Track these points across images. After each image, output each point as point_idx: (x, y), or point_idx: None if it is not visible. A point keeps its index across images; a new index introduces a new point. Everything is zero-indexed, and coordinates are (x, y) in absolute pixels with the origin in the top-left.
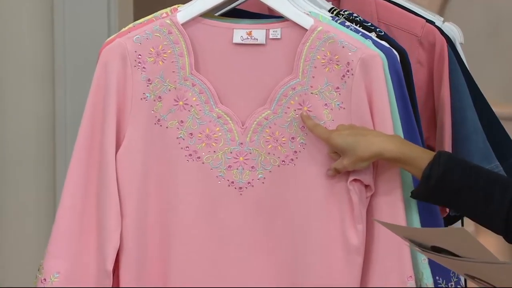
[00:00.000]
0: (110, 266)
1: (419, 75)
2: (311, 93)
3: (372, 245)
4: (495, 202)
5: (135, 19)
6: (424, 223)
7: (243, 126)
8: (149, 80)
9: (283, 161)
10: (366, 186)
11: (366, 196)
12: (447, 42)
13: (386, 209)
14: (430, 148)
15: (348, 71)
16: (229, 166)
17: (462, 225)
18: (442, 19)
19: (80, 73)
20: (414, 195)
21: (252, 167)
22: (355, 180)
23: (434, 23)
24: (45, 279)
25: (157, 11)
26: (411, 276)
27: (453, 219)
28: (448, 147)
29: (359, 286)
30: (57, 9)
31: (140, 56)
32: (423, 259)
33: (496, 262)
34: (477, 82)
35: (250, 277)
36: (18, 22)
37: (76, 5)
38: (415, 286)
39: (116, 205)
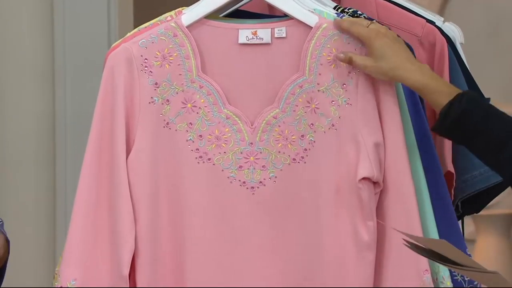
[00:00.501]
0: (126, 271)
1: None
2: (318, 90)
3: (385, 240)
4: (506, 153)
5: (135, 19)
6: (438, 217)
7: (252, 125)
8: (156, 83)
9: (293, 159)
10: (375, 183)
11: (375, 192)
12: (447, 42)
13: (397, 205)
14: None
15: (354, 67)
16: (240, 166)
17: (462, 225)
18: (442, 19)
19: (80, 73)
20: (432, 128)
21: (263, 166)
22: (364, 178)
23: (434, 23)
24: (62, 287)
25: (157, 12)
26: (426, 270)
27: None
28: (448, 147)
29: (372, 282)
30: (57, 9)
31: (146, 60)
32: None
33: (483, 270)
34: (477, 82)
35: (263, 276)
36: (18, 22)
37: (76, 5)
38: (431, 280)
39: (129, 210)
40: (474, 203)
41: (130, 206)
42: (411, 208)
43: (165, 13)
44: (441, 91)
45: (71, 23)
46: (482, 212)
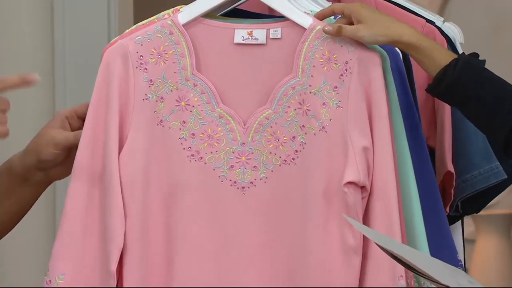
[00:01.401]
0: (113, 267)
1: (419, 75)
2: (310, 92)
3: (367, 245)
4: (499, 119)
5: (135, 19)
6: (427, 221)
7: (244, 125)
8: (151, 81)
9: (284, 160)
10: (362, 187)
11: (362, 196)
12: (447, 42)
13: (380, 210)
14: (430, 148)
15: (346, 70)
16: (232, 166)
17: (462, 225)
18: (442, 19)
19: (80, 73)
20: (427, 90)
21: (255, 166)
22: (349, 182)
23: (434, 23)
24: (50, 281)
25: (157, 11)
26: (401, 276)
27: (453, 218)
28: (448, 147)
29: (357, 286)
30: (57, 9)
31: (141, 57)
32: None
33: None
34: None
35: (250, 275)
36: (18, 22)
37: (76, 5)
38: (405, 286)
39: (119, 206)
40: (474, 203)
41: (120, 201)
42: (392, 214)
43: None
44: (436, 49)
45: (71, 23)
46: (482, 212)
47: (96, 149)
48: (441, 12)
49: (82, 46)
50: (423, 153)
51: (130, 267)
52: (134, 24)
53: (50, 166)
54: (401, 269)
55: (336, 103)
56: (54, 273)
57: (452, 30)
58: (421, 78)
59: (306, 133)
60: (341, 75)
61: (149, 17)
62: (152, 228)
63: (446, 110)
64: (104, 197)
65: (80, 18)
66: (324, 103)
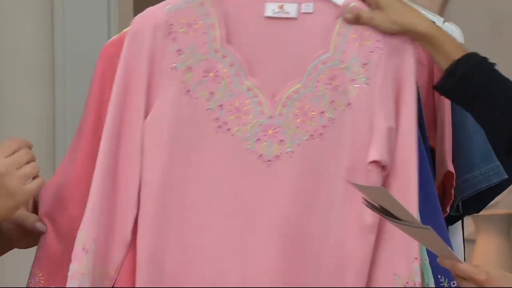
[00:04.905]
0: (128, 235)
1: (419, 75)
2: (341, 68)
3: (384, 224)
4: (507, 120)
5: None
6: (423, 214)
7: (273, 99)
8: (179, 50)
9: (311, 135)
10: (383, 167)
11: (382, 175)
12: None
13: (398, 192)
14: (430, 148)
15: (377, 47)
16: (258, 139)
17: (463, 225)
18: (442, 19)
19: (80, 73)
20: (435, 87)
21: (281, 140)
22: (373, 161)
23: (434, 23)
24: (84, 248)
25: None
26: (416, 258)
27: (454, 218)
28: (448, 147)
29: (369, 265)
30: (57, 9)
31: (171, 26)
32: (424, 259)
33: (418, 225)
34: None
35: (270, 249)
36: (18, 22)
37: (76, 5)
38: (419, 269)
39: (136, 174)
40: (474, 203)
41: (138, 170)
42: (410, 197)
43: None
44: (450, 42)
45: (71, 23)
46: (482, 212)
47: (125, 115)
48: (441, 12)
49: (82, 46)
50: (422, 153)
51: (144, 233)
52: None
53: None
54: (416, 251)
55: (364, 80)
56: (88, 240)
57: (452, 30)
58: (421, 79)
59: (335, 109)
60: (372, 52)
61: None
62: (172, 196)
63: (446, 110)
64: (121, 164)
65: (80, 18)
66: (352, 79)
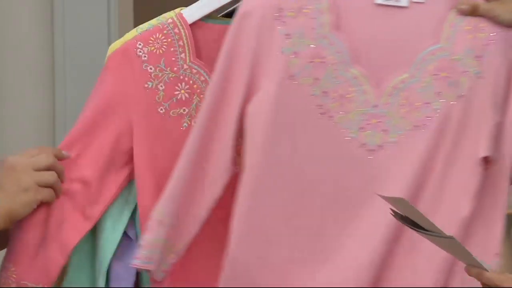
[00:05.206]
0: (204, 214)
1: None
2: (451, 59)
3: (475, 216)
4: None
5: (135, 20)
6: None
7: (378, 88)
8: (288, 35)
9: (415, 125)
10: (489, 162)
11: (485, 169)
12: None
13: (490, 188)
14: None
15: (493, 40)
16: (361, 128)
17: None
18: None
19: (80, 73)
20: None
21: (385, 130)
22: (483, 157)
23: None
24: (161, 220)
25: (157, 12)
26: (497, 254)
27: None
28: None
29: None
30: (57, 9)
31: (281, 10)
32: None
33: (442, 235)
34: None
35: (374, 237)
36: (18, 22)
37: (76, 5)
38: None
39: (226, 157)
40: None
41: (229, 153)
42: (500, 194)
43: (164, 13)
44: None
45: (71, 23)
46: None
47: (226, 95)
48: None
49: (82, 46)
50: None
51: (238, 220)
52: (134, 24)
53: None
54: (496, 247)
55: (477, 73)
56: (166, 214)
57: None
58: None
59: (441, 100)
60: (486, 45)
61: (149, 18)
62: (270, 181)
63: None
64: (217, 146)
65: (80, 18)
66: (464, 71)
